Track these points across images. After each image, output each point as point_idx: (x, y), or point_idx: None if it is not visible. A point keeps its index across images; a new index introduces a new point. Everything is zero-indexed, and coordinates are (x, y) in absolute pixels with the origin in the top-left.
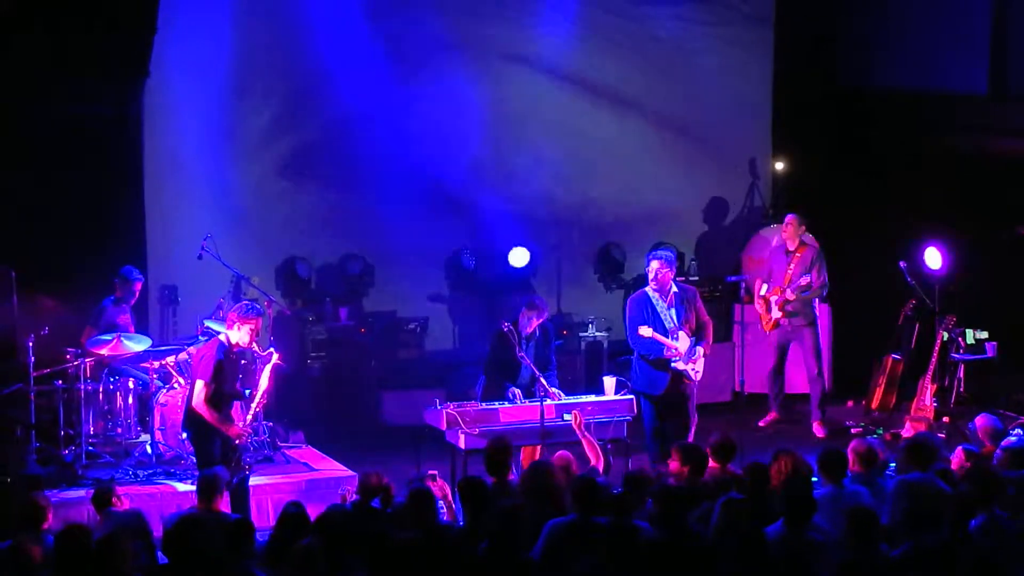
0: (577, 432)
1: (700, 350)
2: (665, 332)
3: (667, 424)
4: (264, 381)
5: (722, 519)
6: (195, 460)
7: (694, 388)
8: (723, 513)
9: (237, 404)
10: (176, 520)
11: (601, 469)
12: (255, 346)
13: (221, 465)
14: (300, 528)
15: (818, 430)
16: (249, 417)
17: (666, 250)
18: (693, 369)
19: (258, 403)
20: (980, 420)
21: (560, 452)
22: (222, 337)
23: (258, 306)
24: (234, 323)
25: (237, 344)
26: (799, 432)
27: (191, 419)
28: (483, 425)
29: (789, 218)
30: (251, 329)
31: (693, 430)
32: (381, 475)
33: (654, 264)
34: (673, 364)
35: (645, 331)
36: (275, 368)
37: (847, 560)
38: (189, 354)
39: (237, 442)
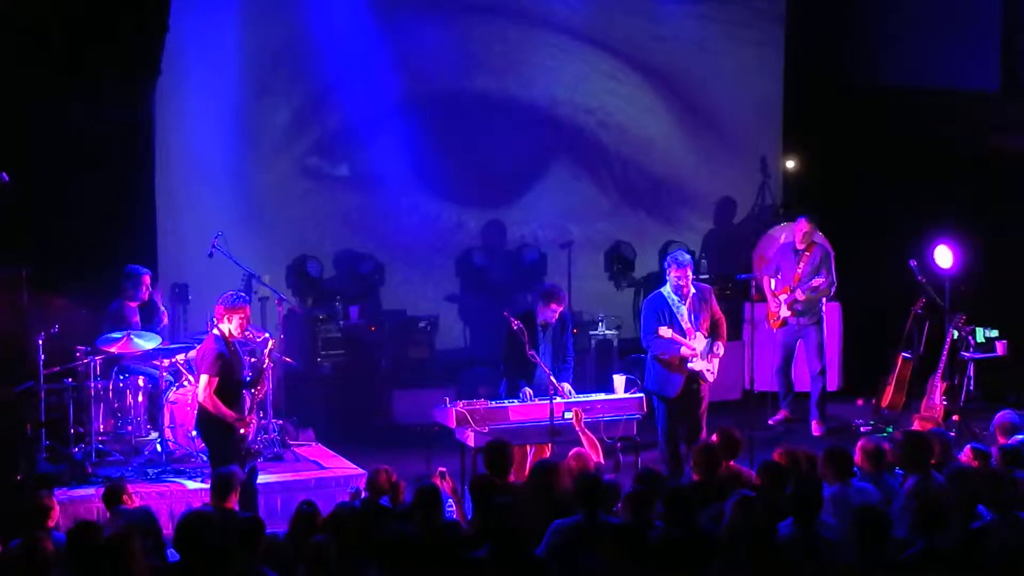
0: (576, 429)
1: (718, 346)
2: (682, 333)
3: (679, 427)
4: (265, 361)
5: (734, 517)
6: (206, 458)
7: (707, 391)
8: (735, 511)
9: (246, 393)
10: (187, 517)
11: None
12: (248, 333)
13: (234, 462)
14: (313, 527)
15: (816, 428)
16: (254, 402)
17: (683, 252)
18: (708, 369)
19: (260, 387)
20: (999, 416)
21: (576, 449)
22: (216, 331)
23: (243, 293)
24: (223, 315)
25: (231, 335)
26: (809, 430)
27: (200, 416)
28: (493, 423)
29: (802, 221)
30: (240, 318)
31: (704, 434)
32: (391, 473)
33: (673, 267)
34: (689, 364)
35: (665, 332)
36: (273, 353)
37: (856, 561)
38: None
39: (243, 431)
